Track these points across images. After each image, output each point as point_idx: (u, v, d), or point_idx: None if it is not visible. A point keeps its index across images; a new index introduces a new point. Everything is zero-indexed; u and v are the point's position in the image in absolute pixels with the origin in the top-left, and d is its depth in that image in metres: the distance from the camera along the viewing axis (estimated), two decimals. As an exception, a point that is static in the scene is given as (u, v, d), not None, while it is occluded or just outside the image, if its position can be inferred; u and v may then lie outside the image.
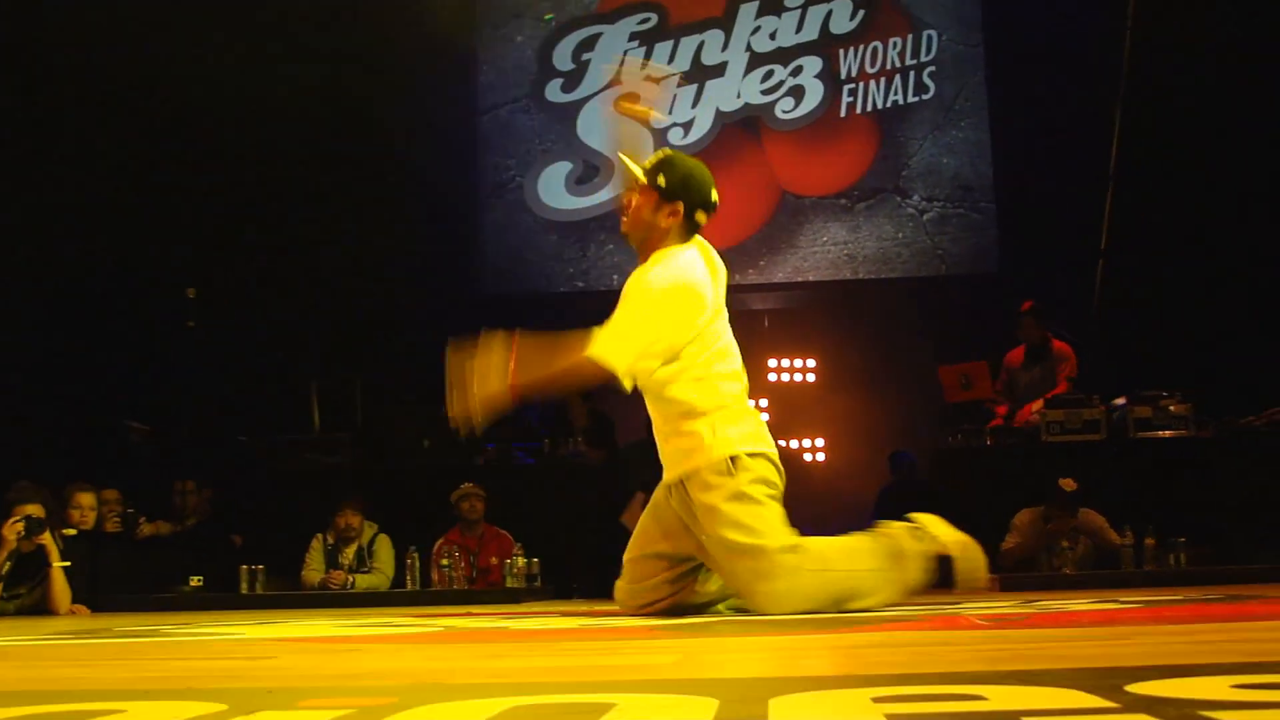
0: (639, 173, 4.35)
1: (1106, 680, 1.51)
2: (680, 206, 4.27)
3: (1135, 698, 1.37)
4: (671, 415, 4.20)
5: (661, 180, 4.28)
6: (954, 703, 1.40)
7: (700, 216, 4.34)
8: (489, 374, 3.97)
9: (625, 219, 4.38)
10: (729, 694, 1.51)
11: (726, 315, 4.37)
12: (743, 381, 4.32)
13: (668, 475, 4.25)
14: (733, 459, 4.10)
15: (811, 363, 12.52)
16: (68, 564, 7.08)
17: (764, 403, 12.47)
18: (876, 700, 1.42)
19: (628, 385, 4.04)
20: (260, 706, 1.62)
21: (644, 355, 4.04)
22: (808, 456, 12.51)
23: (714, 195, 4.36)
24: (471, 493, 8.08)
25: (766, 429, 4.32)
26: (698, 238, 4.39)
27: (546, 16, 12.31)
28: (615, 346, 4.00)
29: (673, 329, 4.10)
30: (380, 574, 7.97)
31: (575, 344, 4.02)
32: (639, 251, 4.35)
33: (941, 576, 4.19)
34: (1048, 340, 8.88)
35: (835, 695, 1.48)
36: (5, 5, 9.58)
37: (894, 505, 10.51)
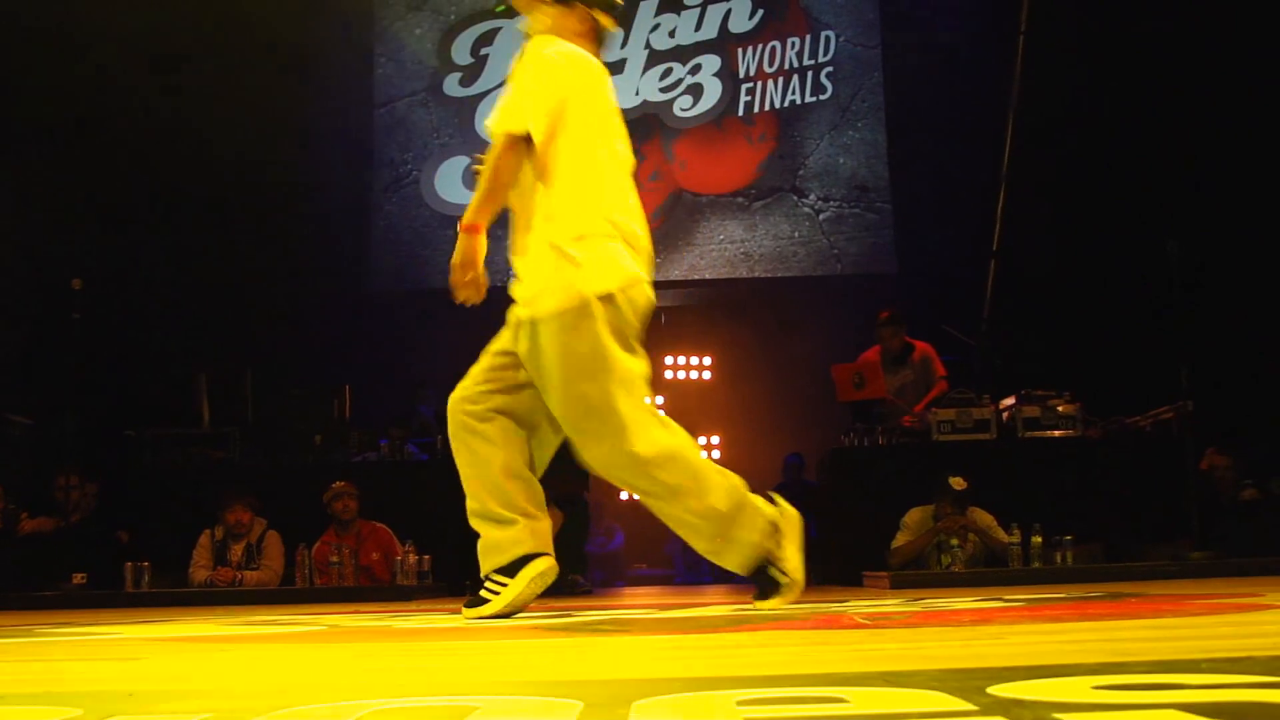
0: None
1: (970, 681, 1.52)
2: (579, 6, 4.12)
3: (995, 700, 1.37)
4: None
5: None
6: (815, 705, 1.40)
7: (600, 15, 4.17)
8: (459, 248, 3.95)
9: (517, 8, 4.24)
10: (594, 696, 1.50)
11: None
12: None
13: None
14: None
15: (708, 360, 12.59)
16: (-58, 561, 6.92)
17: (660, 399, 12.51)
18: (741, 704, 1.41)
19: (538, 137, 3.88)
20: (117, 711, 1.58)
21: (538, 112, 3.91)
22: (704, 454, 12.54)
23: None
24: (344, 491, 7.97)
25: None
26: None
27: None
28: (505, 113, 3.92)
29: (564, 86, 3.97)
30: (269, 570, 7.86)
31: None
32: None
33: (760, 588, 4.08)
34: (908, 344, 8.99)
35: (699, 699, 1.47)
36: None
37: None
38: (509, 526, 3.97)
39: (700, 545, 4.06)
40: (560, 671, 2.05)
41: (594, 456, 3.97)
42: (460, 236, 3.92)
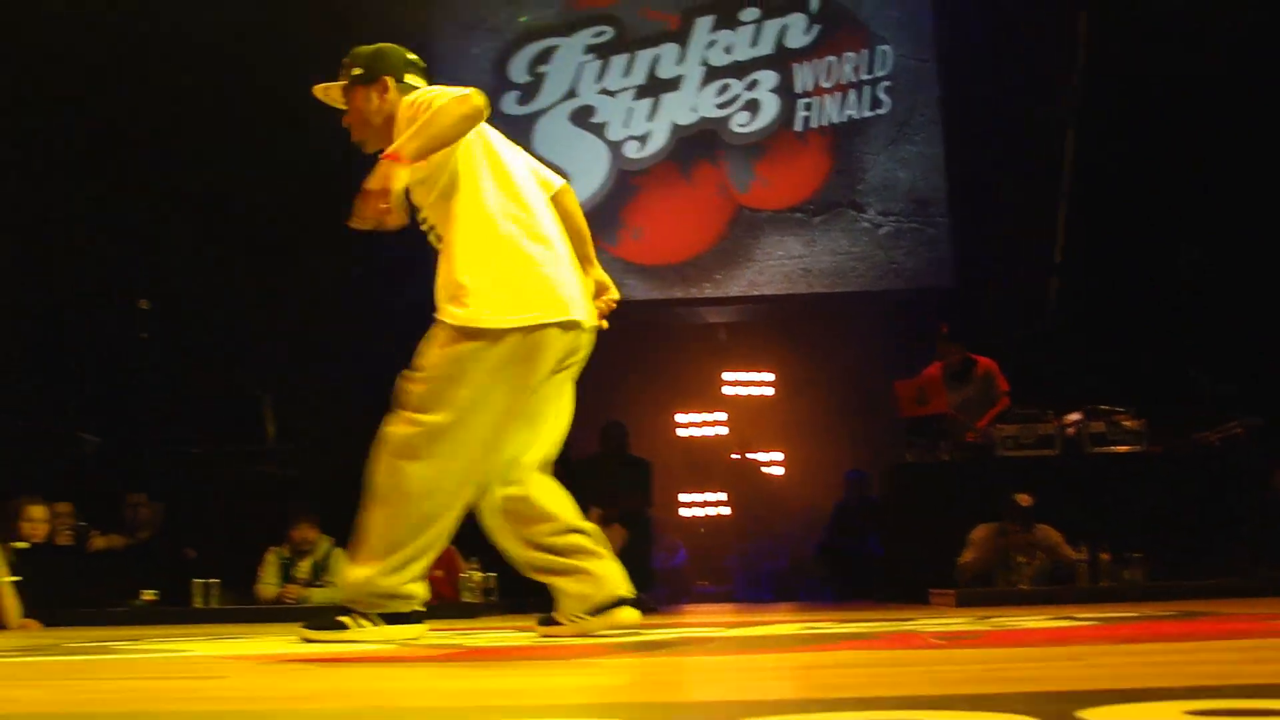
0: (334, 86, 4.18)
1: (1057, 705, 1.51)
2: (387, 80, 4.07)
3: (1086, 725, 1.37)
4: None
5: (355, 71, 4.11)
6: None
7: (412, 79, 4.12)
8: (376, 173, 3.71)
9: (350, 126, 4.17)
10: (689, 719, 1.50)
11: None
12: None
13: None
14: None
15: (769, 376, 12.57)
16: (18, 578, 7.01)
17: (721, 415, 12.52)
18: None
19: (482, 98, 3.75)
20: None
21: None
22: (766, 469, 12.56)
23: (412, 55, 4.19)
24: None
25: None
26: None
27: (521, 18, 12.28)
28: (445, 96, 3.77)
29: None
30: (336, 588, 7.91)
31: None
32: (371, 146, 4.10)
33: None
34: (969, 359, 8.93)
35: (788, 721, 1.48)
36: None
37: (844, 522, 10.65)
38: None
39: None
40: (646, 693, 2.05)
41: None
42: (382, 168, 3.70)
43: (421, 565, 3.91)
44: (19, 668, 3.22)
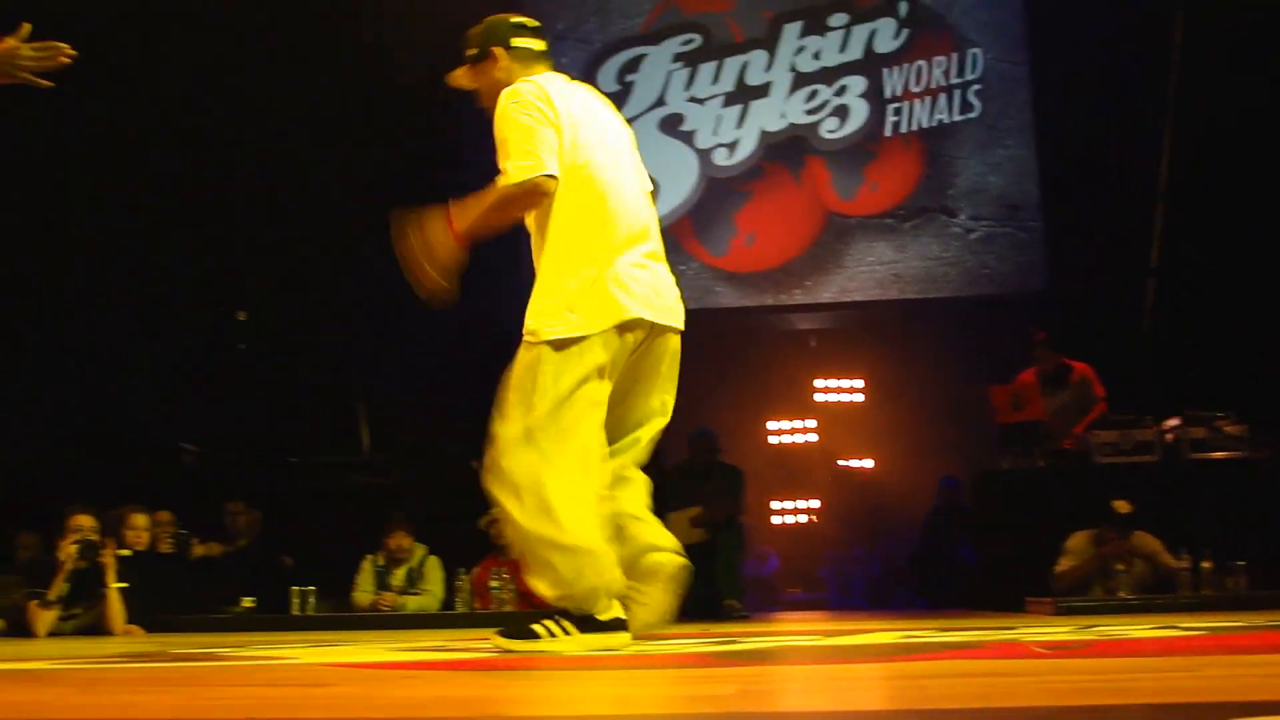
0: (459, 72, 4.32)
1: (1192, 715, 1.49)
2: (498, 51, 4.21)
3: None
4: None
5: (469, 52, 4.27)
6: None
7: (520, 42, 4.25)
8: (434, 235, 3.93)
9: (482, 103, 4.25)
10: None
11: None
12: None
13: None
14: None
15: (859, 383, 12.50)
16: (124, 585, 7.15)
17: (812, 423, 12.47)
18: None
19: (549, 185, 3.91)
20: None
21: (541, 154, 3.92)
22: (858, 475, 12.51)
23: (518, 18, 4.30)
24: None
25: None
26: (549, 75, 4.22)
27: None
28: (514, 161, 3.92)
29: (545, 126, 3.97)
30: (430, 595, 7.99)
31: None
32: None
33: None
34: (1065, 365, 8.82)
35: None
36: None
37: (937, 529, 10.56)
38: None
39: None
40: (755, 702, 2.05)
41: None
42: (444, 242, 3.94)
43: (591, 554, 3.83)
44: (134, 673, 3.28)
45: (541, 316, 3.93)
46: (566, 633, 3.79)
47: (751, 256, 11.87)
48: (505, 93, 4.06)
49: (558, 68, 4.34)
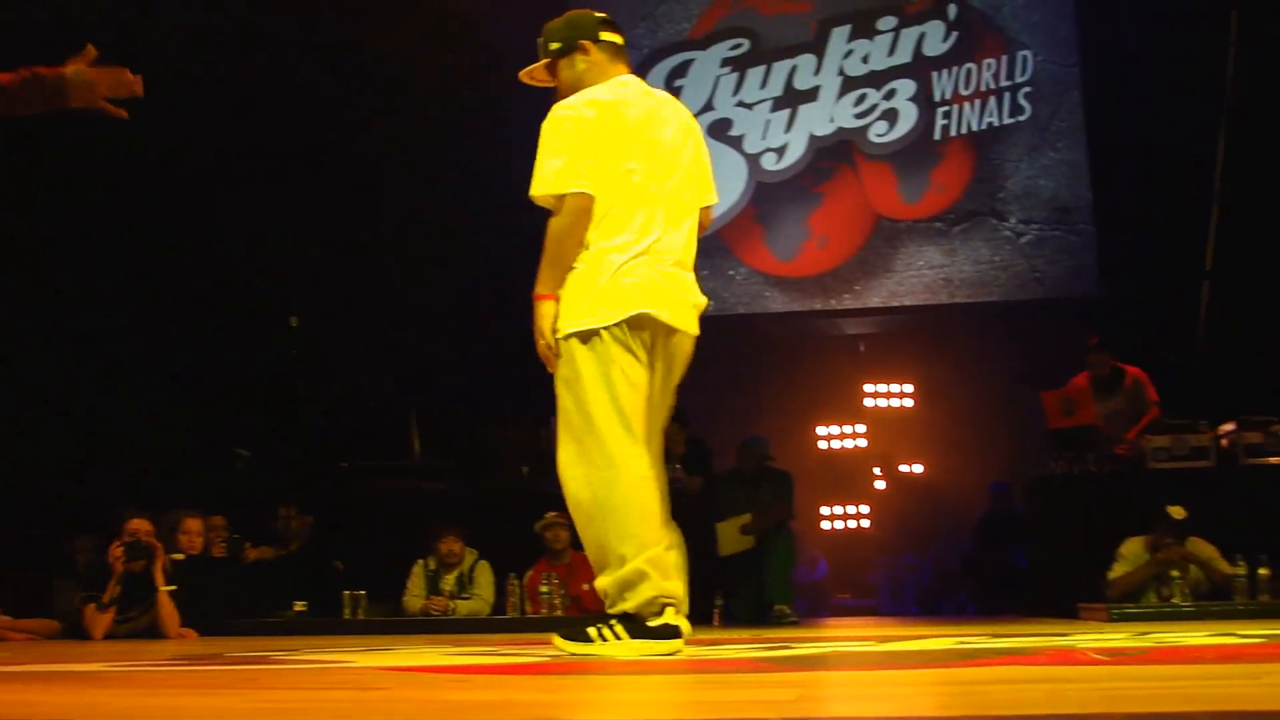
0: (536, 68, 4.33)
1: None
2: (585, 44, 4.22)
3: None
4: None
5: (552, 46, 4.27)
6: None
7: (606, 35, 4.26)
8: (536, 316, 4.00)
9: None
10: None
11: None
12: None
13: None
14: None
15: (909, 387, 12.44)
16: (174, 588, 7.22)
17: (861, 427, 12.43)
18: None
19: (577, 197, 3.95)
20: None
21: (567, 173, 3.97)
22: (908, 480, 12.45)
23: (599, 14, 4.31)
24: (555, 521, 8.05)
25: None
26: (622, 78, 4.25)
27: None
28: (538, 179, 4.00)
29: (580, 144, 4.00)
30: (481, 600, 8.00)
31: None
32: None
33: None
34: (1118, 369, 8.75)
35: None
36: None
37: (989, 535, 10.50)
38: None
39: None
40: (813, 708, 2.04)
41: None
42: (538, 311, 4.00)
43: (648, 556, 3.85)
44: (191, 675, 3.31)
45: (565, 313, 3.99)
46: (618, 637, 3.81)
47: (801, 261, 11.85)
48: (555, 107, 4.10)
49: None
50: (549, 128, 4.04)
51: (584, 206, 3.96)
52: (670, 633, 3.83)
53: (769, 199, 11.97)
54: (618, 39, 4.28)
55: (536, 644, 4.96)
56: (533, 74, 4.35)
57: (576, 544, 8.07)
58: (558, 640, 3.93)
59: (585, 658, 3.72)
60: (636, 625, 3.82)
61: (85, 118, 3.77)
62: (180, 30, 9.81)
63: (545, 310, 3.97)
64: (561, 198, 3.96)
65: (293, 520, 8.98)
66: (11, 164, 9.10)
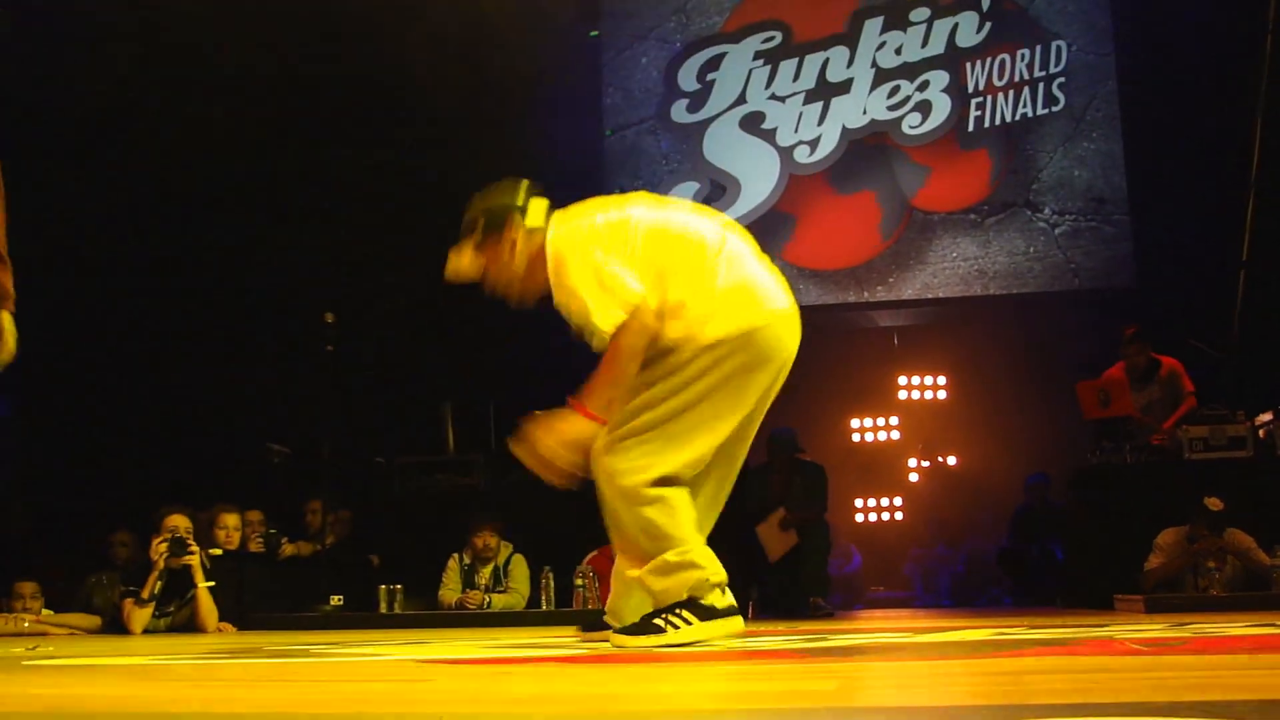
0: (464, 254, 4.18)
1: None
2: (515, 219, 4.13)
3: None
4: None
5: (479, 227, 4.15)
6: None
7: (537, 205, 4.15)
8: (565, 425, 3.89)
9: (499, 288, 4.21)
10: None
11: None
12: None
13: None
14: None
15: (942, 380, 12.41)
16: (212, 584, 7.27)
17: (894, 420, 12.41)
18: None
19: (653, 323, 3.88)
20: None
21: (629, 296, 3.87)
22: (943, 472, 12.42)
23: (523, 183, 4.21)
24: None
25: None
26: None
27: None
28: (601, 313, 3.87)
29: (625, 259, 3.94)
30: (516, 594, 8.04)
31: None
32: (526, 297, 4.19)
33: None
34: (1154, 360, 8.70)
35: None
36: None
37: (1026, 527, 10.46)
38: None
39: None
40: (856, 698, 2.05)
41: None
42: (575, 416, 3.87)
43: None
44: (231, 669, 3.34)
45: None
46: (688, 623, 3.84)
47: (834, 254, 11.83)
48: (553, 249, 4.02)
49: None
50: (567, 273, 3.96)
51: (649, 317, 3.89)
52: (734, 610, 3.91)
53: (802, 192, 11.95)
54: (542, 205, 4.18)
55: (572, 637, 4.98)
56: (459, 264, 4.20)
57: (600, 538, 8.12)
58: (622, 639, 3.91)
59: (656, 649, 3.73)
60: (701, 609, 3.86)
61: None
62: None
63: (589, 429, 3.88)
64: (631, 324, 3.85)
65: (316, 514, 8.99)
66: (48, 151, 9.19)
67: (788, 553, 8.78)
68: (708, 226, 4.15)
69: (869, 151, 11.94)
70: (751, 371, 4.00)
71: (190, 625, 7.24)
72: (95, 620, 7.62)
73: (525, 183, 4.21)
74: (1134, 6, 11.54)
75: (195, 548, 7.28)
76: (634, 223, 4.04)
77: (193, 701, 2.35)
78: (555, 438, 3.87)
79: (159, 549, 7.14)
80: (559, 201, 4.16)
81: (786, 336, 4.09)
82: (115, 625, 7.24)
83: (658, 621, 3.87)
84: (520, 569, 8.13)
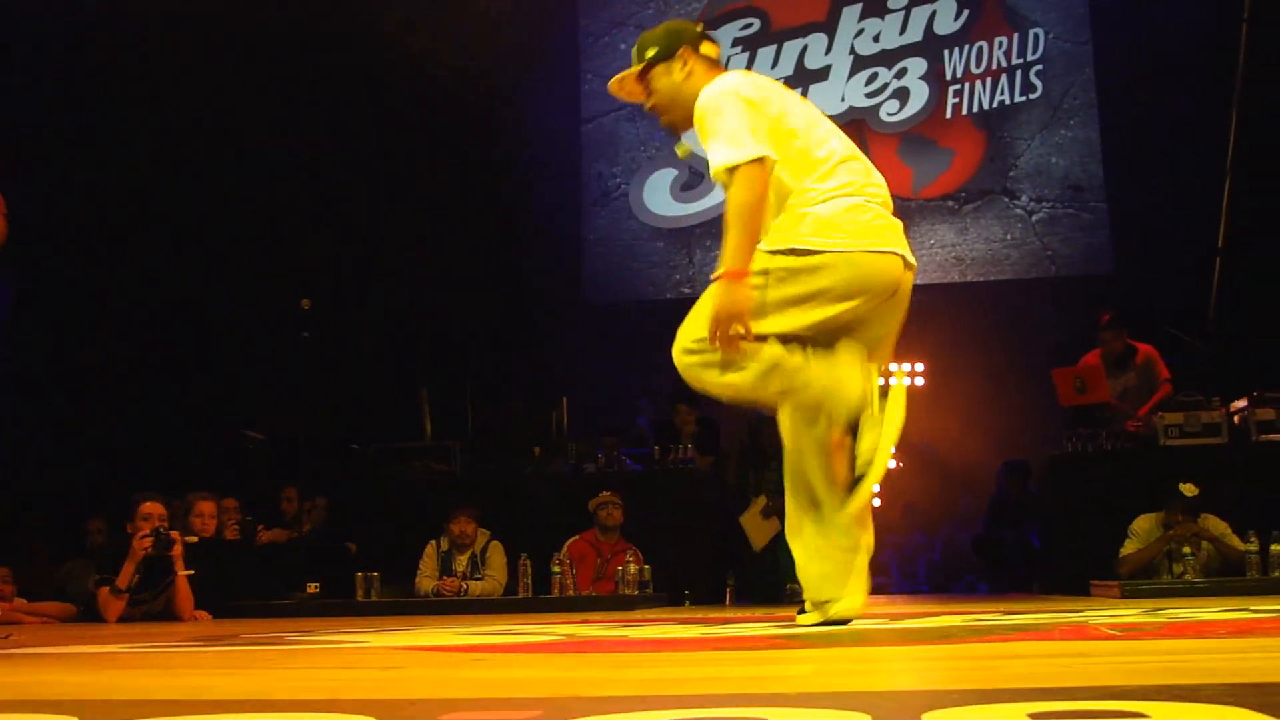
0: (628, 77, 4.19)
1: (1269, 697, 1.47)
2: (685, 52, 4.11)
3: (1306, 716, 1.33)
4: None
5: (650, 53, 4.13)
6: (1115, 720, 1.38)
7: (706, 49, 4.16)
8: (729, 297, 3.78)
9: (658, 109, 4.18)
10: (881, 708, 1.50)
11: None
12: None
13: None
14: None
15: (920, 366, 12.42)
16: (191, 572, 7.24)
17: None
18: (1033, 716, 1.40)
19: (767, 162, 3.82)
20: (408, 719, 1.64)
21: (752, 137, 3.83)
22: (917, 459, 12.43)
23: (698, 26, 4.26)
24: (609, 501, 8.18)
25: None
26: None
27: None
28: (725, 150, 3.82)
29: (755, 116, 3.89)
30: (493, 580, 8.03)
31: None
32: (676, 124, 4.16)
33: None
34: (1130, 347, 8.73)
35: (989, 710, 1.46)
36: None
37: (1003, 514, 10.48)
38: None
39: None
40: (832, 682, 2.05)
41: None
42: (721, 284, 3.78)
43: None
44: (207, 656, 3.32)
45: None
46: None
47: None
48: (700, 104, 3.96)
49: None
50: (712, 109, 3.90)
51: (765, 174, 3.83)
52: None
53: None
54: (714, 52, 4.21)
55: (551, 623, 4.98)
56: (623, 84, 4.23)
57: (626, 526, 8.16)
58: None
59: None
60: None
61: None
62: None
63: (745, 291, 3.78)
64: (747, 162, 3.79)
65: (305, 502, 8.99)
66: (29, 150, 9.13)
67: (771, 540, 8.79)
68: (836, 143, 4.18)
69: (847, 137, 11.91)
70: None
71: (166, 613, 7.20)
72: (70, 608, 7.58)
73: (700, 29, 4.25)
74: (1110, -5, 11.58)
75: (178, 536, 7.24)
76: (778, 105, 4.01)
77: (167, 690, 2.33)
78: (728, 311, 3.76)
79: (142, 543, 7.06)
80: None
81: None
82: (90, 613, 7.20)
83: None
84: (497, 556, 8.12)
